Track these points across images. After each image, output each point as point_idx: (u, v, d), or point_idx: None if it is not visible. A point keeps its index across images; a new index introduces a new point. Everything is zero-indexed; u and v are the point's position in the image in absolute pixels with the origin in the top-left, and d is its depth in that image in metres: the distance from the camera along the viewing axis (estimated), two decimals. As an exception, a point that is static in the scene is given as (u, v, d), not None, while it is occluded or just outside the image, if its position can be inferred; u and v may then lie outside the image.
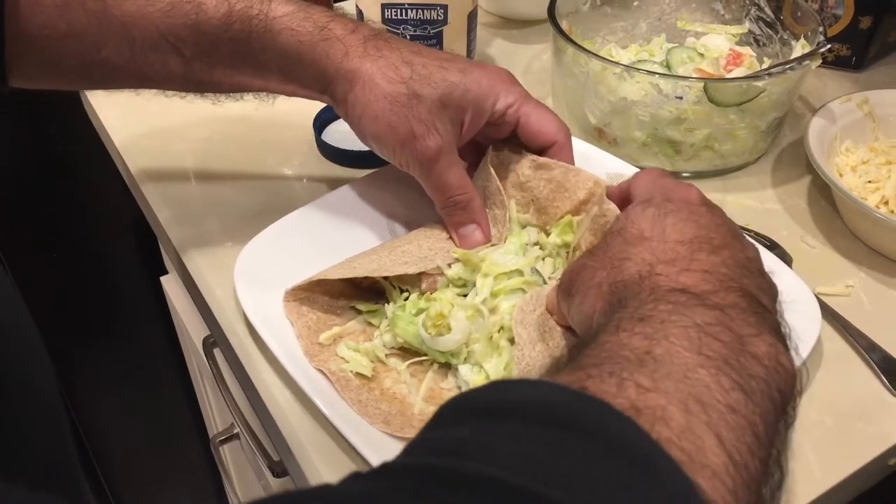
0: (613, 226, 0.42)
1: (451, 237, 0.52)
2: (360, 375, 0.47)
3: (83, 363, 1.11)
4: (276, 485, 0.68)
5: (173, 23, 0.47)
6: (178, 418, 1.20)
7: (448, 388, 0.48)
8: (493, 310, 0.48)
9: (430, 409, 0.44)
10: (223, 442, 0.79)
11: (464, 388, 0.47)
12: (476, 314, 0.47)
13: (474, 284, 0.49)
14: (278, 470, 0.55)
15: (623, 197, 0.47)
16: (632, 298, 0.35)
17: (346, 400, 0.45)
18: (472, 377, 0.47)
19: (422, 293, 0.50)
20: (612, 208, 0.47)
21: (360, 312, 0.51)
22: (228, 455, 0.94)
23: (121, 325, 1.07)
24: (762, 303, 0.35)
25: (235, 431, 0.77)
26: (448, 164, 0.49)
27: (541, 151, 0.52)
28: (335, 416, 0.44)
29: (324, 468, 0.44)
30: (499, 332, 0.47)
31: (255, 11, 0.47)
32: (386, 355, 0.49)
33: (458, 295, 0.49)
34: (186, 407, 1.15)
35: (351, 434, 0.43)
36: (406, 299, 0.50)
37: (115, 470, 1.24)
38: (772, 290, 0.38)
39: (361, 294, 0.52)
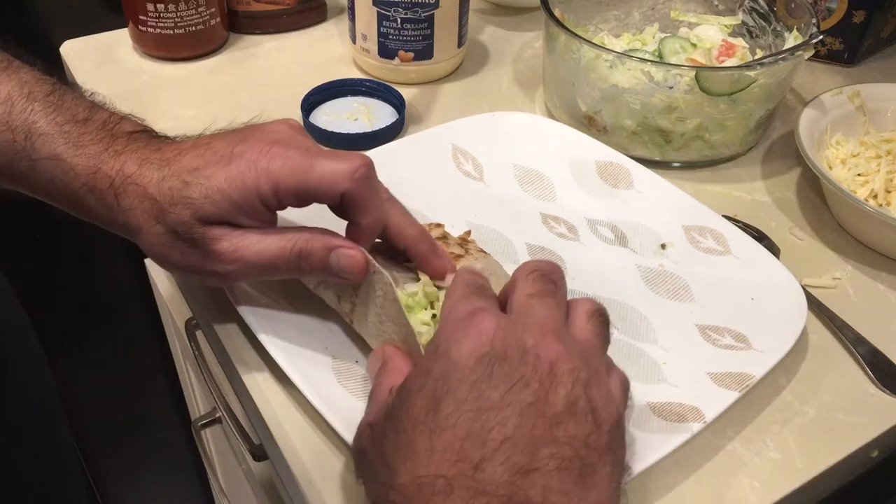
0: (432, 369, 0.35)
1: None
2: None
3: (65, 345, 1.10)
4: (256, 469, 0.67)
5: None
6: (161, 402, 1.19)
7: None
8: None
9: None
10: (205, 426, 0.78)
11: None
12: None
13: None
14: (259, 454, 0.54)
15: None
16: None
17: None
18: None
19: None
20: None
21: None
22: (210, 439, 0.94)
23: (104, 307, 1.06)
24: None
25: (217, 415, 0.77)
26: (248, 242, 0.42)
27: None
28: (318, 401, 0.43)
29: (304, 451, 0.44)
30: None
31: (21, 166, 0.45)
32: None
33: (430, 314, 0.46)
34: (169, 390, 1.15)
35: (333, 419, 0.42)
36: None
37: (96, 453, 1.23)
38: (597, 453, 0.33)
39: None
